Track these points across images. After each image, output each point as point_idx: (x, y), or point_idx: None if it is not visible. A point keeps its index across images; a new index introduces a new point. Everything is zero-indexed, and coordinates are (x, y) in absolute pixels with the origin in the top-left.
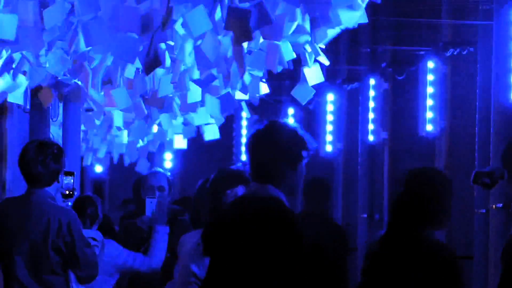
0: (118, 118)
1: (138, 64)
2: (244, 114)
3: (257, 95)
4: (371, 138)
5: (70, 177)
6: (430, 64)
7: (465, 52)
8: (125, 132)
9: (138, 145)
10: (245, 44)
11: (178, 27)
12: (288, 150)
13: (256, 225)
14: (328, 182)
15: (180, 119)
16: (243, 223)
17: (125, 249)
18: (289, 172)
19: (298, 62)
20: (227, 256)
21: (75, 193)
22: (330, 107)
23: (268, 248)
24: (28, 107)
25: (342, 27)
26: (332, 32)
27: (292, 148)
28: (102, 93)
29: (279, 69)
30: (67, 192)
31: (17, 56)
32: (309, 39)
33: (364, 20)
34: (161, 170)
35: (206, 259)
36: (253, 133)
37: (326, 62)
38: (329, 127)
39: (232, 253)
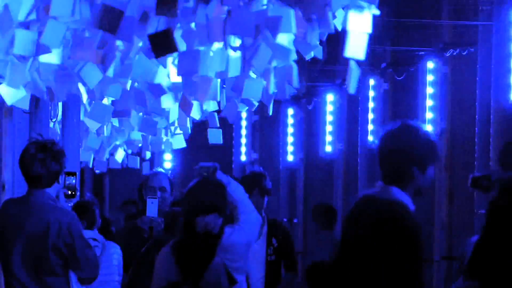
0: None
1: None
2: (244, 114)
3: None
4: (371, 138)
5: (72, 177)
6: (430, 65)
7: (465, 53)
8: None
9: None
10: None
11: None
12: (421, 153)
13: (373, 228)
14: None
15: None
16: (361, 224)
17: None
18: (419, 175)
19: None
20: (347, 253)
21: (77, 193)
22: (329, 108)
23: (383, 252)
24: (27, 107)
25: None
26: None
27: (424, 151)
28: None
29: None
30: (70, 193)
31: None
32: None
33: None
34: (162, 170)
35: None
36: (385, 135)
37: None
38: (329, 128)
39: (350, 251)
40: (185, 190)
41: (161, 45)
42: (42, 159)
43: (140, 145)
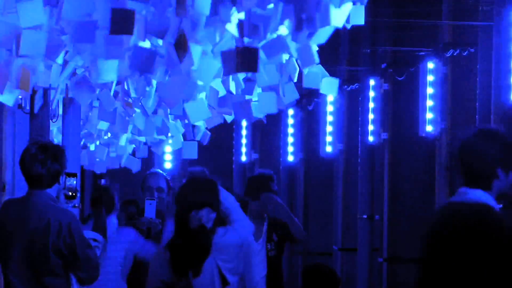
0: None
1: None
2: None
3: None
4: (371, 138)
5: (73, 178)
6: (430, 65)
7: (465, 53)
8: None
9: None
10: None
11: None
12: (505, 154)
13: (464, 233)
14: None
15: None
16: (456, 232)
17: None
18: (503, 176)
19: None
20: (435, 261)
21: (78, 194)
22: (330, 108)
23: (476, 257)
24: (28, 107)
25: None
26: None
27: (508, 151)
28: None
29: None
30: (70, 194)
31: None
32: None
33: (361, 21)
34: (159, 171)
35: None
36: (466, 139)
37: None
38: (329, 128)
39: (440, 259)
40: (177, 189)
41: (120, 23)
42: (43, 160)
43: (134, 146)
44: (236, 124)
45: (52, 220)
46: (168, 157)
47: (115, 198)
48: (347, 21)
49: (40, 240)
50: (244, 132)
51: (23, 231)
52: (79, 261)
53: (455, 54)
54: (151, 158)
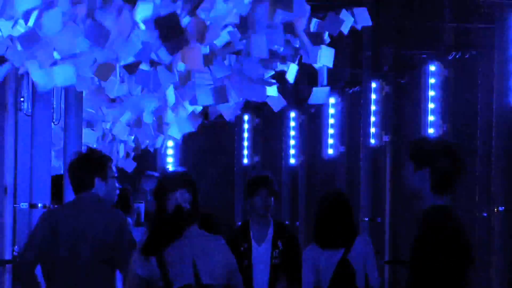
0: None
1: None
2: (246, 117)
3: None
4: (373, 141)
5: None
6: (432, 68)
7: (467, 56)
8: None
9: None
10: None
11: None
12: None
13: None
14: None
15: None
16: None
17: None
18: None
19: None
20: None
21: None
22: (332, 110)
23: None
24: (29, 110)
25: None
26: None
27: None
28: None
29: None
30: None
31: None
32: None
33: (368, 23)
34: (155, 173)
35: (148, 259)
36: None
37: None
38: (331, 130)
39: None
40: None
41: (168, 29)
42: (80, 167)
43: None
44: (237, 127)
45: (108, 220)
46: (170, 159)
47: (130, 198)
48: (355, 22)
49: (98, 240)
50: (245, 134)
51: (79, 234)
52: (126, 261)
53: (457, 56)
54: (154, 156)
